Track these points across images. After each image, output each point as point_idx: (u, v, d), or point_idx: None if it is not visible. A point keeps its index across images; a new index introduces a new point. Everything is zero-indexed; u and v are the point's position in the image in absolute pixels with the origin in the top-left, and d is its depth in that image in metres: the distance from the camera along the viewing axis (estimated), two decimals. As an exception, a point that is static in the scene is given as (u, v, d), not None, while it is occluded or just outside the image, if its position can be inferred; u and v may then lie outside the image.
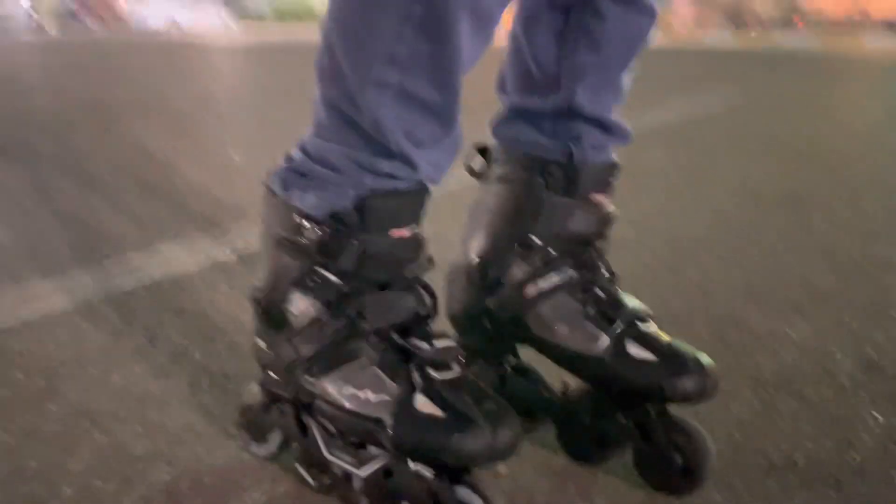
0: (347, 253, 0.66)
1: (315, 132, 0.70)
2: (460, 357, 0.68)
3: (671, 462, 0.73)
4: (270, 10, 24.92)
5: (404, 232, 0.68)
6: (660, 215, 1.73)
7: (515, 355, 0.86)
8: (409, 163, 0.66)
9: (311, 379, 0.70)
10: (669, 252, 1.49)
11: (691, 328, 1.13)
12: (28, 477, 0.77)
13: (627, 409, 0.76)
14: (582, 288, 0.77)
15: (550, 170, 0.76)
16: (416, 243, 0.70)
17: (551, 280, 0.77)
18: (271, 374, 0.75)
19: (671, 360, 0.72)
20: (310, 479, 0.74)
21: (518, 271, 0.79)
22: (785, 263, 1.43)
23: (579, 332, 0.76)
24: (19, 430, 0.86)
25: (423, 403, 0.64)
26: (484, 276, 0.81)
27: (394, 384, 0.66)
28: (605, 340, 0.74)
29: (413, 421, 0.64)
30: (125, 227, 1.65)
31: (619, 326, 0.74)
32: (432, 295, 0.72)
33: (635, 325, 0.75)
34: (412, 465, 0.65)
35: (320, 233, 0.66)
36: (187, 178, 2.14)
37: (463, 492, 0.63)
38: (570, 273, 0.77)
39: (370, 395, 0.66)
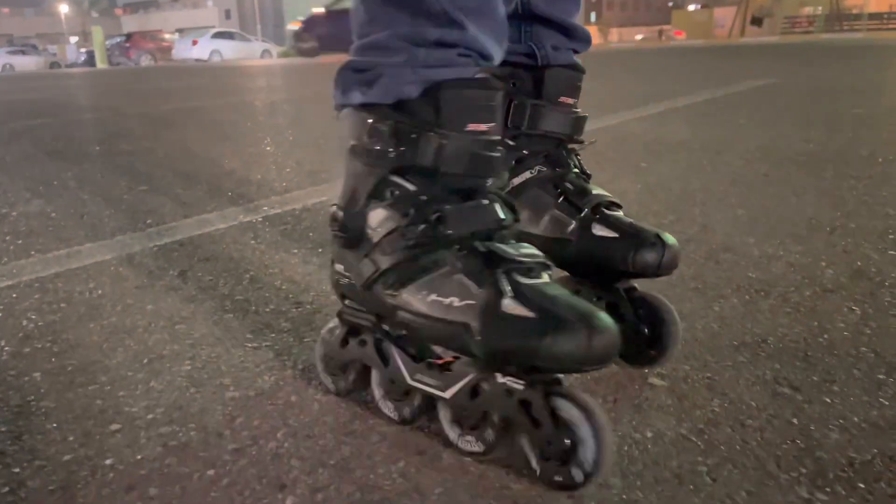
0: (423, 148, 0.64)
1: (359, 34, 0.70)
2: (547, 264, 0.65)
3: (639, 333, 0.79)
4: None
5: (481, 126, 0.65)
6: (676, 179, 1.77)
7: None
8: (456, 24, 0.64)
9: (391, 292, 0.68)
10: (678, 201, 1.54)
11: (686, 254, 1.17)
12: (68, 371, 0.88)
13: (599, 291, 0.82)
14: (553, 183, 0.84)
15: (517, 73, 0.83)
16: (494, 142, 0.66)
17: (523, 176, 0.85)
18: (349, 303, 0.76)
19: (633, 236, 0.78)
20: (391, 412, 0.72)
21: None
22: (791, 204, 1.47)
23: (550, 221, 0.83)
24: (63, 341, 0.96)
25: (512, 306, 0.60)
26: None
27: (480, 290, 0.62)
28: (572, 224, 0.81)
29: (502, 323, 0.60)
30: (166, 204, 1.78)
31: (585, 211, 0.81)
32: (513, 209, 0.69)
33: (600, 209, 0.81)
34: (501, 379, 0.62)
35: (390, 125, 0.65)
36: (224, 167, 2.27)
37: (559, 402, 0.59)
38: (542, 169, 0.84)
39: (455, 301, 0.63)
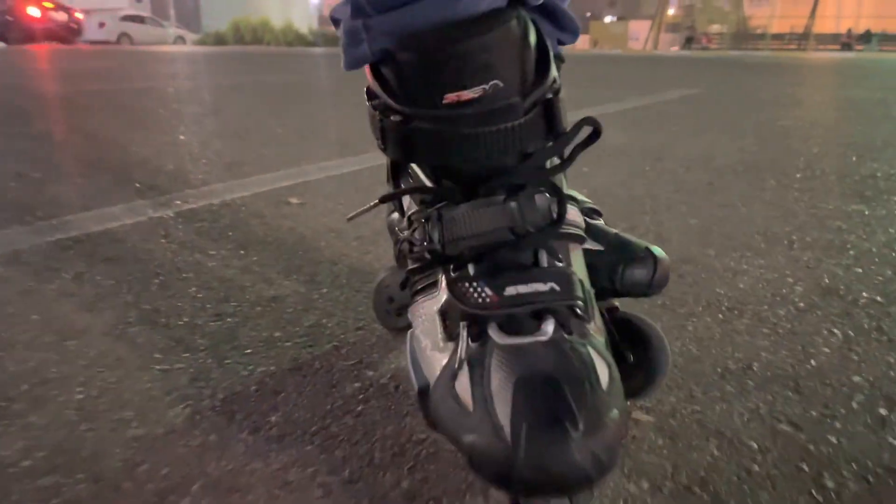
0: (389, 136, 0.51)
1: None
2: (575, 307, 0.48)
3: (623, 360, 0.69)
4: (229, 28, 24.76)
5: (464, 94, 0.48)
6: (620, 185, 1.70)
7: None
8: None
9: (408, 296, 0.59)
10: (626, 207, 1.47)
11: (646, 265, 1.09)
12: (-75, 399, 0.70)
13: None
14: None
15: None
16: (497, 111, 0.48)
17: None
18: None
19: (620, 249, 0.68)
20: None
21: None
22: (741, 214, 1.41)
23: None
24: (-78, 359, 0.79)
25: (461, 387, 0.46)
26: None
27: (445, 346, 0.49)
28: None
29: (436, 407, 0.47)
30: (62, 194, 1.57)
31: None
32: (559, 199, 0.50)
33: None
34: None
35: (369, 106, 0.54)
36: (132, 155, 2.06)
37: None
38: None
39: (427, 347, 0.52)
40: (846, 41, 26.39)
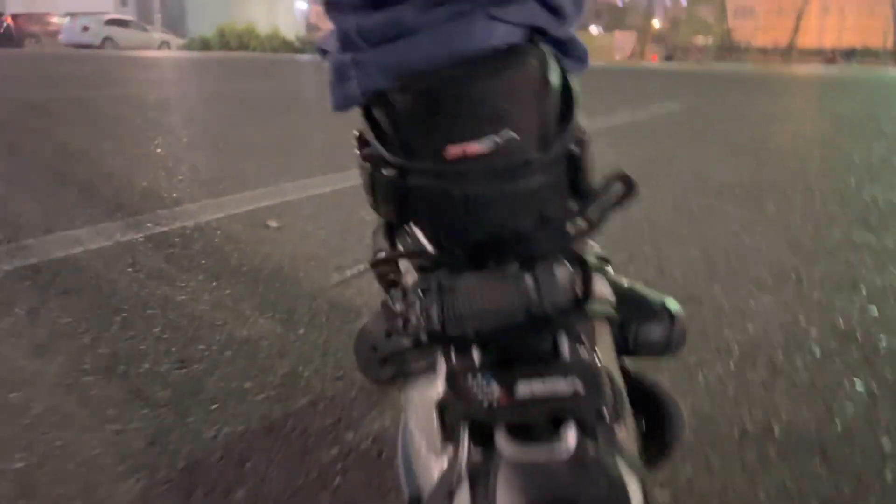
0: (381, 192, 0.44)
1: None
2: (601, 408, 0.40)
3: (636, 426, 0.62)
4: (214, 34, 24.60)
5: (472, 146, 0.40)
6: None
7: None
8: None
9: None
10: (624, 234, 1.40)
11: (649, 302, 1.02)
12: None
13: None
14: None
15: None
16: (511, 168, 0.41)
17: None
18: None
19: (634, 304, 0.61)
20: None
21: None
22: (744, 244, 1.35)
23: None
24: None
25: None
26: None
27: (443, 449, 0.42)
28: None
29: None
30: (23, 214, 1.47)
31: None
32: (585, 273, 0.42)
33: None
34: None
35: (358, 157, 0.46)
36: (103, 169, 1.97)
37: None
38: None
39: (423, 448, 0.44)
40: (830, 58, 26.76)
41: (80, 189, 1.71)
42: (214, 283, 1.08)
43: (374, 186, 0.44)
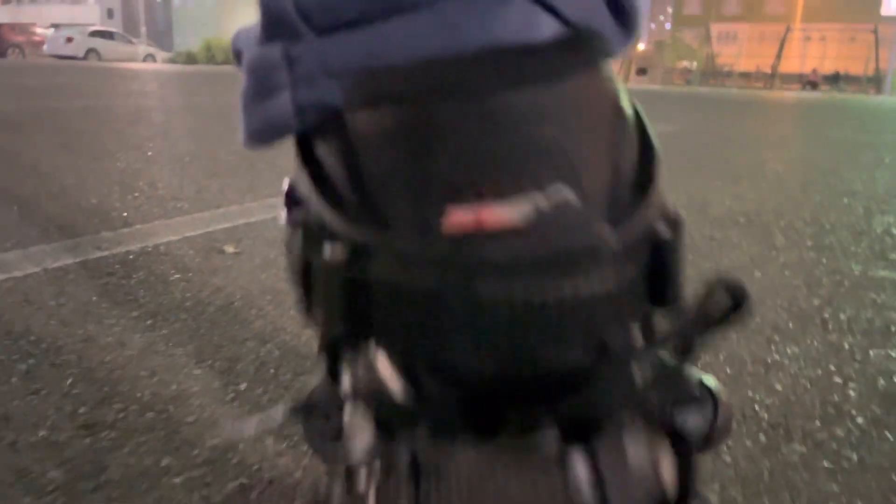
0: (319, 292, 0.26)
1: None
2: None
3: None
4: (201, 48, 24.48)
5: (500, 211, 0.22)
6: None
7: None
8: None
9: None
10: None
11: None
12: None
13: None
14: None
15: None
16: (571, 256, 0.23)
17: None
18: None
19: (667, 381, 0.46)
20: None
21: None
22: (759, 282, 1.21)
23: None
24: None
25: None
26: None
27: None
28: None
29: None
30: (-51, 233, 1.31)
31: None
32: (679, 446, 0.28)
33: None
34: None
35: (294, 219, 0.29)
36: (52, 184, 1.80)
37: None
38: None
39: None
40: (812, 80, 26.97)
41: (21, 206, 1.54)
42: (149, 322, 0.92)
43: (310, 276, 0.27)
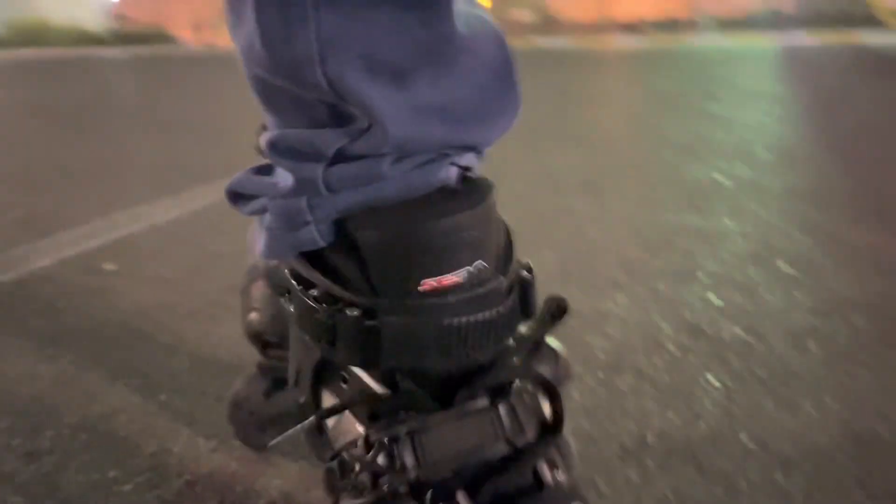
0: (346, 335, 0.41)
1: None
2: None
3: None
4: (5, 28, 22.27)
5: (449, 278, 0.40)
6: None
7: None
8: (371, 112, 0.37)
9: None
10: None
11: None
12: None
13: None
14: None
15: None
16: (481, 297, 0.41)
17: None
18: None
19: (532, 355, 0.61)
20: None
21: None
22: (594, 242, 1.41)
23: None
24: None
25: None
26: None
27: None
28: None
29: None
30: None
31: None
32: (553, 393, 0.45)
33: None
34: None
35: (296, 299, 0.44)
36: None
37: None
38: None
39: None
40: (639, 29, 28.48)
41: None
42: (52, 351, 0.97)
43: (335, 329, 0.41)
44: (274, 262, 0.55)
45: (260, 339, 0.67)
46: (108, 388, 0.87)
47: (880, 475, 0.68)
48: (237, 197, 0.47)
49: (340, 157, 0.40)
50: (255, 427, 0.72)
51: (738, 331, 1.00)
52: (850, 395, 0.82)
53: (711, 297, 1.12)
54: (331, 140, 0.39)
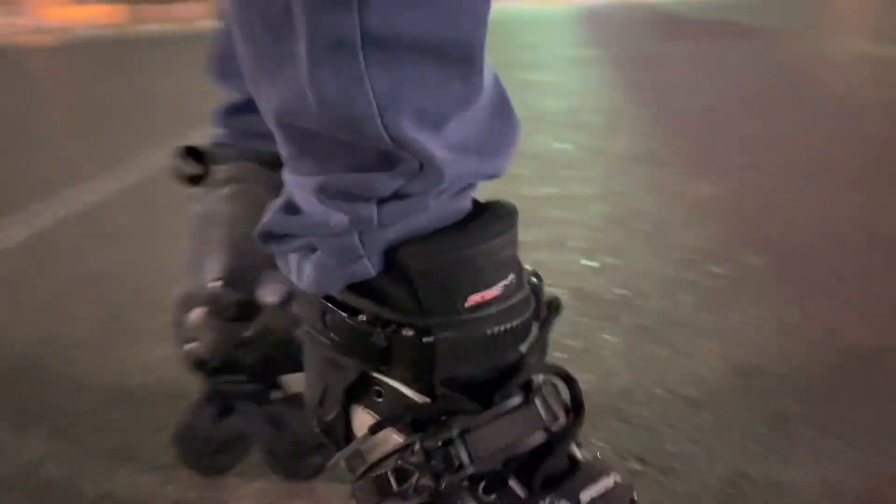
0: (402, 353, 0.45)
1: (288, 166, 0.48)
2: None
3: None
4: None
5: (489, 292, 0.45)
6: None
7: (280, 386, 0.73)
8: (423, 156, 0.41)
9: None
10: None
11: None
12: None
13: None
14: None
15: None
16: (513, 307, 0.46)
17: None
18: None
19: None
20: None
21: (277, 287, 0.65)
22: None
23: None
24: None
25: None
26: (232, 303, 0.66)
27: None
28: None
29: None
30: None
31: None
32: (571, 382, 0.50)
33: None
34: None
35: (346, 328, 0.46)
36: None
37: None
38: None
39: None
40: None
41: None
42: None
43: (390, 349, 0.45)
44: (272, 299, 0.56)
45: (204, 367, 0.67)
46: (29, 437, 0.81)
47: (774, 401, 0.81)
48: (269, 237, 0.49)
49: (393, 196, 0.43)
50: (210, 453, 0.72)
51: (617, 290, 1.11)
52: (725, 334, 0.96)
53: (587, 261, 1.23)
54: (389, 183, 0.43)
